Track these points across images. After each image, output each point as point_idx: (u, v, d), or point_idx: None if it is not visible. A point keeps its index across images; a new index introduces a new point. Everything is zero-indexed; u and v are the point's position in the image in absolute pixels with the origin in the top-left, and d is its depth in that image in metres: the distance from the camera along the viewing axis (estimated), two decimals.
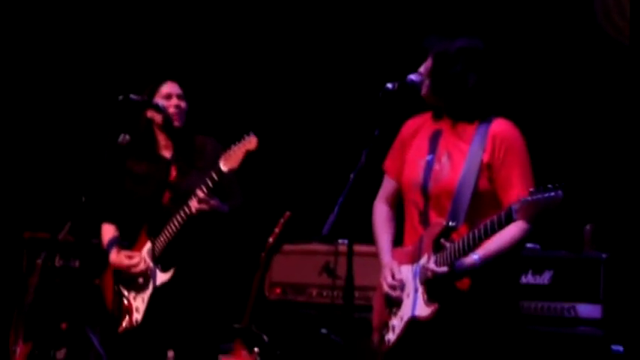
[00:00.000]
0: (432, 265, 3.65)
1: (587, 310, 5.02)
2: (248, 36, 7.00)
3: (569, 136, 5.90)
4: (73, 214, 5.10)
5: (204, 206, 4.62)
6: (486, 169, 3.72)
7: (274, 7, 6.90)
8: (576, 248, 5.09)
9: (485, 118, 3.78)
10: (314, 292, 5.63)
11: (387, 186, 4.03)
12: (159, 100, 4.86)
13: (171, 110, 4.83)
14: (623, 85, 5.77)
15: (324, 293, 5.56)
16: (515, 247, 3.68)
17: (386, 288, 3.84)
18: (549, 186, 3.39)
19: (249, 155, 4.50)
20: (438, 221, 3.73)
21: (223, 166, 4.51)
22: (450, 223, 3.68)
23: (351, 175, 3.72)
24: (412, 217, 3.87)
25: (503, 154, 3.71)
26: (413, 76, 3.85)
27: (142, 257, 4.80)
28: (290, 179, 6.65)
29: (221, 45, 7.05)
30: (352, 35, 6.63)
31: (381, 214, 4.04)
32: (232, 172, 4.54)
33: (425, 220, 3.80)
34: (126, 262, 4.83)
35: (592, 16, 6.02)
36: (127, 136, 4.82)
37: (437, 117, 3.90)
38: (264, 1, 6.94)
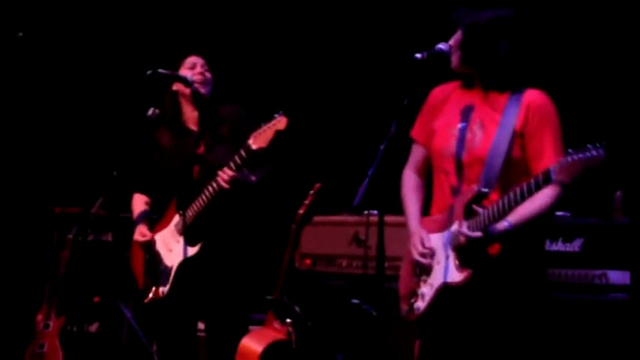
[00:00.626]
0: (465, 230, 3.68)
1: (619, 276, 5.02)
2: (276, 12, 6.99)
3: (596, 103, 5.85)
4: (105, 188, 5.14)
5: (229, 184, 4.64)
6: (519, 137, 3.75)
7: None
8: (607, 215, 5.08)
9: (517, 89, 3.80)
10: (344, 263, 5.65)
11: (416, 153, 4.07)
12: (185, 72, 4.88)
13: (197, 78, 4.85)
14: None
15: (354, 264, 5.58)
16: (546, 214, 3.70)
17: (416, 256, 3.87)
18: (589, 146, 3.41)
19: (278, 134, 4.51)
20: (470, 188, 3.76)
21: (253, 145, 4.53)
22: (483, 189, 3.71)
23: (381, 146, 3.73)
24: (442, 185, 3.90)
25: (537, 123, 3.74)
26: (442, 45, 3.87)
27: (152, 236, 4.85)
28: (320, 150, 6.65)
29: (249, 22, 7.05)
30: (381, 6, 6.60)
31: (409, 182, 4.07)
32: (262, 150, 4.56)
33: (456, 188, 3.83)
34: (140, 238, 4.89)
35: None
36: (157, 110, 4.85)
37: (468, 86, 3.91)
38: None
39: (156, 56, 6.07)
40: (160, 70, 4.84)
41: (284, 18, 6.97)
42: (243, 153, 4.58)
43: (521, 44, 3.81)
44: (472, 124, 3.84)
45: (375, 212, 5.10)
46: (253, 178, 4.80)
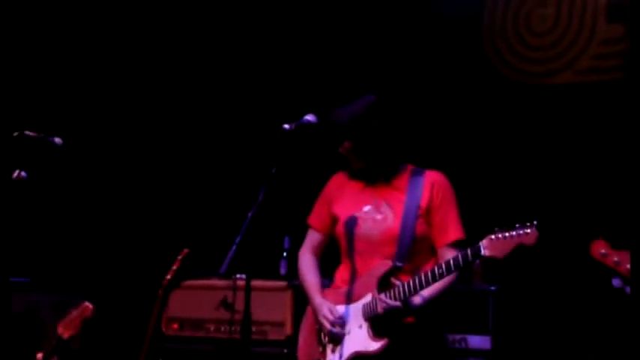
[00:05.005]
0: (386, 299, 3.87)
1: (477, 341, 5.17)
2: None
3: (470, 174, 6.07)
4: None
5: None
6: (425, 214, 4.01)
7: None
8: (466, 281, 5.25)
9: (415, 170, 4.11)
10: (211, 328, 5.64)
11: (312, 238, 4.30)
12: None
13: None
14: (524, 124, 6.02)
15: (222, 328, 5.58)
16: (451, 286, 3.97)
17: (328, 325, 4.02)
18: (517, 224, 3.64)
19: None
20: (384, 262, 3.98)
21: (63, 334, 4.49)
22: (398, 264, 3.95)
23: (249, 214, 3.81)
24: (348, 262, 4.11)
25: (441, 199, 4.04)
26: (309, 117, 4.03)
27: None
28: (189, 216, 6.66)
29: None
30: (251, 76, 6.71)
31: (307, 261, 4.28)
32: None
33: (365, 264, 4.03)
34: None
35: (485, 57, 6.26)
36: (22, 172, 4.78)
37: (367, 173, 4.13)
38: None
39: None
40: (27, 132, 4.78)
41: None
42: None
43: (399, 123, 4.08)
44: (379, 206, 4.06)
45: (243, 276, 5.13)
46: None
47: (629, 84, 4.35)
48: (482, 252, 3.70)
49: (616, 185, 5.66)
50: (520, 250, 3.68)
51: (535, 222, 3.65)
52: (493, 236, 3.68)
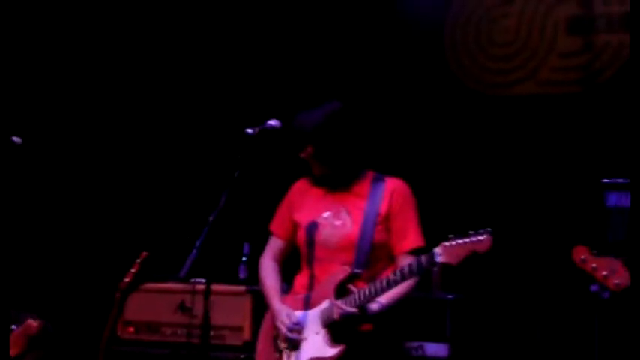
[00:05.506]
0: (343, 305, 3.88)
1: (434, 348, 5.20)
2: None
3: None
4: None
5: None
6: (384, 221, 4.03)
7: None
8: (425, 288, 5.28)
9: (374, 176, 4.12)
10: (168, 331, 5.60)
11: (274, 244, 4.30)
12: None
13: None
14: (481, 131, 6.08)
15: (179, 332, 5.55)
16: (410, 293, 3.98)
17: (285, 331, 4.02)
18: (470, 231, 3.66)
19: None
20: (343, 268, 3.98)
21: None
22: (356, 270, 3.96)
23: (210, 218, 3.81)
24: (307, 268, 4.12)
25: (400, 206, 4.05)
26: (272, 122, 4.05)
27: None
28: (148, 219, 6.63)
29: None
30: (212, 80, 6.70)
31: (268, 266, 4.28)
32: None
33: (323, 270, 4.04)
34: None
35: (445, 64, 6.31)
36: None
37: (328, 180, 4.14)
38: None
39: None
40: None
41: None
42: None
43: (361, 130, 4.10)
44: (338, 212, 4.07)
45: (202, 280, 5.11)
46: None
47: (631, 80, 4.37)
48: (437, 258, 3.72)
49: (571, 193, 5.74)
50: (478, 257, 3.70)
51: (489, 229, 3.67)
52: (447, 243, 3.71)
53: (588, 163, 5.74)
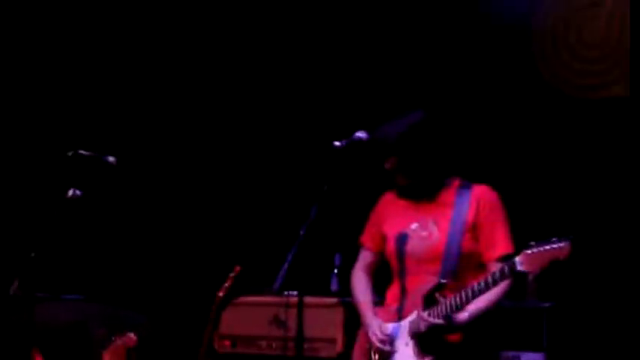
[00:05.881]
0: (427, 317, 3.89)
1: (531, 358, 5.13)
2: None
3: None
4: (22, 269, 5.08)
5: None
6: (472, 229, 4.00)
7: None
8: (519, 297, 5.21)
9: (463, 184, 4.10)
10: (263, 344, 5.65)
11: (365, 257, 4.33)
12: None
13: None
14: (569, 135, 5.98)
15: (274, 345, 5.58)
16: (499, 303, 3.95)
17: (377, 343, 4.04)
18: (553, 238, 3.60)
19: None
20: (430, 279, 3.98)
21: None
22: (442, 281, 3.94)
23: (301, 231, 3.83)
24: (398, 280, 4.12)
25: (488, 214, 4.02)
26: (360, 134, 4.03)
27: None
28: (242, 233, 6.69)
29: None
30: (298, 93, 6.75)
31: (360, 279, 4.32)
32: None
33: (413, 281, 4.04)
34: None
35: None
36: (77, 191, 4.84)
37: (414, 190, 4.13)
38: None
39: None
40: (81, 151, 4.85)
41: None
42: None
43: (445, 139, 4.07)
44: (425, 223, 4.07)
45: (295, 293, 5.14)
46: None
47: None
48: (518, 267, 3.67)
49: None
50: (574, 263, 3.64)
51: (570, 236, 3.60)
52: (529, 251, 3.65)
53: None
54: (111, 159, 4.90)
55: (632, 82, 4.03)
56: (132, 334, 4.57)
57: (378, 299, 4.25)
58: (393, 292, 4.16)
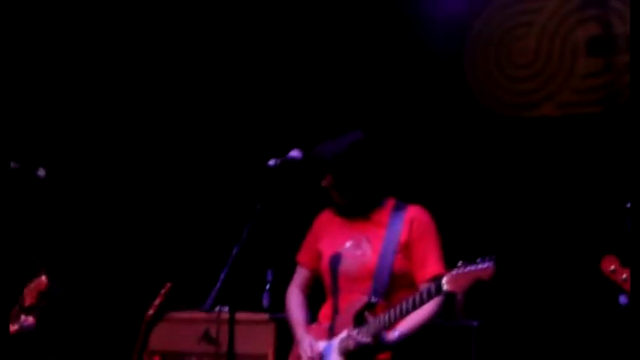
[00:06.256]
0: (356, 336, 3.90)
1: None
2: None
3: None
4: None
5: None
6: (404, 249, 4.04)
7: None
8: (448, 316, 5.26)
9: (395, 204, 4.14)
10: None
11: (301, 275, 4.35)
12: None
13: None
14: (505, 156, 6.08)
15: None
16: (431, 321, 4.00)
17: None
18: (478, 259, 3.65)
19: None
20: (360, 298, 4.00)
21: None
22: (372, 300, 3.97)
23: (234, 250, 3.82)
24: (331, 298, 4.15)
25: (420, 235, 4.06)
26: (294, 153, 4.06)
27: None
28: (173, 250, 6.66)
29: None
30: (233, 113, 6.74)
31: (294, 297, 4.33)
32: None
33: (346, 300, 4.06)
34: None
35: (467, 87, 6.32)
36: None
37: (349, 209, 4.16)
38: None
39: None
40: (12, 164, 4.79)
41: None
42: None
43: (381, 159, 4.12)
44: (359, 241, 4.10)
45: (226, 309, 5.12)
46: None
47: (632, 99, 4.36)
48: (444, 287, 3.72)
49: (593, 216, 5.71)
50: (503, 283, 3.70)
51: (493, 256, 3.66)
52: (454, 271, 3.71)
53: (610, 185, 5.71)
54: (40, 172, 4.83)
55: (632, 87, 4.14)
56: (44, 278, 4.61)
57: (312, 316, 4.27)
58: (325, 310, 4.19)
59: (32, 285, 4.66)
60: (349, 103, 6.33)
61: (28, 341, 4.80)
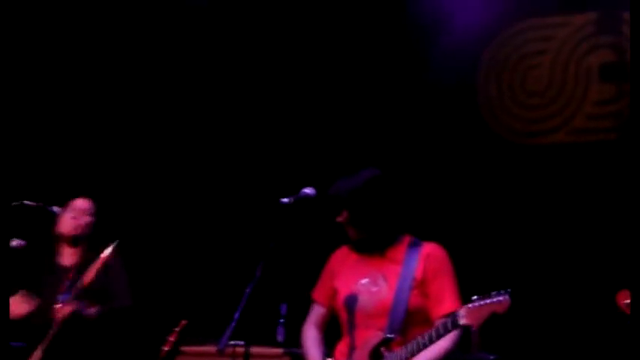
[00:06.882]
0: None
1: None
2: None
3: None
4: None
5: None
6: (420, 285, 4.03)
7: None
8: (465, 350, 5.24)
9: (411, 241, 4.13)
10: None
11: (316, 312, 4.33)
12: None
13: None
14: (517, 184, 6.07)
15: None
16: (447, 356, 3.97)
17: None
18: (492, 292, 3.65)
19: None
20: (376, 334, 3.99)
21: None
22: (388, 335, 3.96)
23: (247, 290, 3.84)
24: (347, 334, 4.13)
25: (436, 271, 4.06)
26: (307, 190, 4.07)
27: None
28: (188, 288, 6.69)
29: None
30: (246, 152, 6.78)
31: (311, 335, 4.31)
32: None
33: (362, 336, 4.05)
34: None
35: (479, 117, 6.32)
36: (22, 242, 4.82)
37: (365, 246, 4.15)
38: None
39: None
40: (26, 202, 4.82)
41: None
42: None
43: (398, 196, 4.10)
44: (375, 278, 4.08)
45: (242, 343, 5.12)
46: (92, 311, 4.91)
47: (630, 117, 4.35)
48: (460, 320, 3.73)
49: (607, 244, 5.68)
50: (517, 318, 3.68)
51: (508, 290, 3.66)
52: (470, 305, 3.71)
53: (625, 212, 5.69)
54: (55, 209, 4.88)
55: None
56: None
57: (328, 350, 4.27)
58: (341, 347, 4.18)
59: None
60: (361, 137, 6.34)
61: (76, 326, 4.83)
